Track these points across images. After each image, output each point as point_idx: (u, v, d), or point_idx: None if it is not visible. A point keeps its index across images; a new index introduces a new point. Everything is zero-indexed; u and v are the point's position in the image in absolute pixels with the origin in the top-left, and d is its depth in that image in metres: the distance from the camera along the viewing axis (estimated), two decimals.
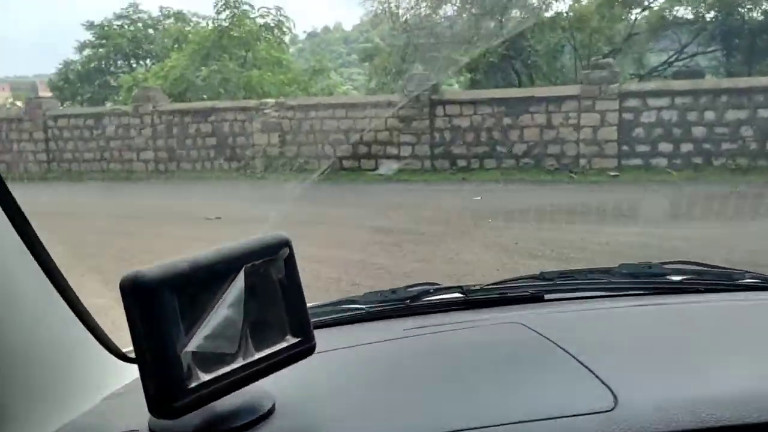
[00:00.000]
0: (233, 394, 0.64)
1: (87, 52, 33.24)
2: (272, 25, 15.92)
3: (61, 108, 15.23)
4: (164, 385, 0.57)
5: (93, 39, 33.29)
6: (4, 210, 0.66)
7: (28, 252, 0.69)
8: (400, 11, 15.71)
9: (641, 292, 1.17)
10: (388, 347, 0.96)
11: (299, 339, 0.68)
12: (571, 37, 14.10)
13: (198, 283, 0.60)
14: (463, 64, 13.80)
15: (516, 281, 1.23)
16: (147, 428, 0.66)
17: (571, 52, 14.52)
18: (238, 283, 0.62)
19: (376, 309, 1.10)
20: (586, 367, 0.79)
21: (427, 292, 1.15)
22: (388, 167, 11.87)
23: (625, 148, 10.53)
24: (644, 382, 0.77)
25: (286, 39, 16.73)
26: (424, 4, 15.44)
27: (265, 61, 16.90)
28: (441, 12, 15.72)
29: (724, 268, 1.30)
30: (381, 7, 16.04)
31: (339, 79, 20.76)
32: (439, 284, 1.21)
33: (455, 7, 15.40)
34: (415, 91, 11.65)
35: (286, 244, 0.67)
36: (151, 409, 0.59)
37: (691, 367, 0.82)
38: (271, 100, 13.21)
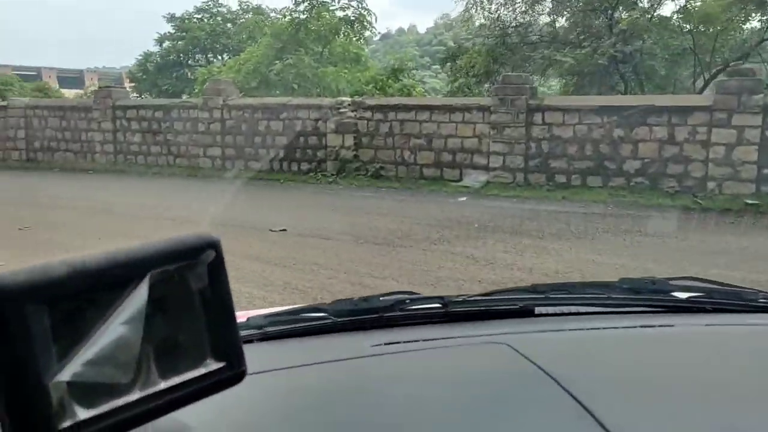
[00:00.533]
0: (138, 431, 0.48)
1: (166, 44, 33.52)
2: (352, 18, 14.84)
3: (132, 98, 14.62)
4: (27, 424, 0.42)
5: (173, 31, 33.58)
6: None
7: None
8: (493, 6, 14.31)
9: (643, 310, 1.09)
10: (352, 366, 0.85)
11: (224, 364, 0.51)
12: (692, 39, 12.26)
13: (81, 294, 0.44)
14: (565, 67, 12.25)
15: (504, 293, 1.14)
16: None
17: (689, 57, 12.67)
18: (140, 294, 0.46)
19: (344, 320, 0.99)
20: (579, 402, 0.69)
21: (403, 302, 1.04)
22: (474, 179, 10.52)
23: (766, 171, 8.77)
24: (647, 423, 0.68)
25: (366, 34, 15.59)
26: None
27: (341, 57, 15.89)
28: (540, 8, 14.23)
29: (735, 286, 1.20)
30: (473, 2, 14.66)
31: (416, 81, 19.53)
32: (417, 293, 1.12)
33: (556, 3, 13.83)
34: (510, 94, 10.26)
35: (211, 245, 0.50)
36: None
37: (699, 404, 0.74)
38: (347, 99, 12.12)
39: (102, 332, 0.45)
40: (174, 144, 13.31)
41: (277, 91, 15.39)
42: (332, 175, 11.55)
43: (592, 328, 1.02)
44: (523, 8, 14.02)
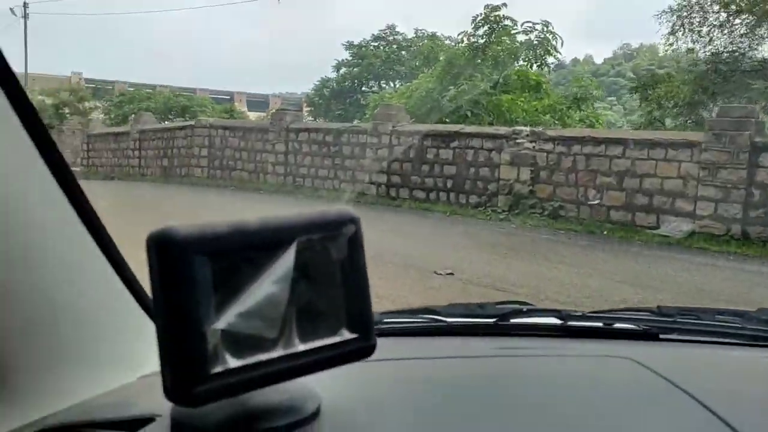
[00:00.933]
0: (272, 389, 0.52)
1: (343, 70, 34.78)
2: (535, 43, 13.74)
3: (305, 122, 14.81)
4: (182, 366, 0.46)
5: (350, 58, 34.79)
6: (60, 183, 0.63)
7: (69, 204, 0.64)
8: (704, 28, 12.39)
9: None
10: (469, 365, 0.84)
11: (356, 335, 0.54)
12: None
13: (239, 252, 0.48)
14: None
15: (626, 312, 1.07)
16: (169, 416, 0.56)
17: None
18: (288, 258, 0.50)
19: (460, 323, 0.99)
20: (715, 414, 0.64)
21: (519, 312, 1.02)
22: (675, 227, 8.86)
23: None
24: None
25: (548, 60, 14.37)
26: (738, 21, 11.95)
27: (519, 83, 14.79)
28: (764, 30, 12.05)
29: None
30: (679, 23, 12.83)
31: (600, 111, 17.79)
32: (533, 304, 1.08)
33: None
34: (729, 129, 8.51)
35: (352, 221, 0.54)
36: (166, 393, 0.48)
37: None
38: (525, 128, 11.03)
39: (255, 289, 0.48)
40: (341, 168, 13.10)
41: (446, 119, 14.70)
42: (503, 211, 10.49)
43: (723, 356, 0.92)
44: (743, 30, 11.97)
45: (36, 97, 42.50)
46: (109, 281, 0.70)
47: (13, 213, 0.60)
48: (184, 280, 0.46)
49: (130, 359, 0.71)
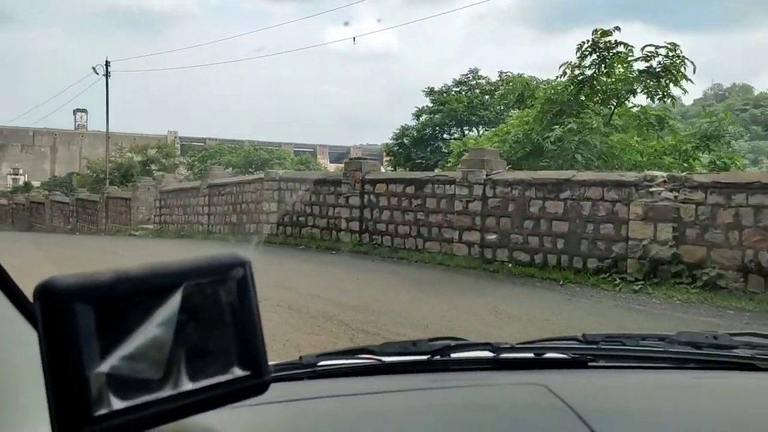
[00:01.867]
0: (168, 428, 0.53)
1: (423, 118, 33.28)
2: (657, 70, 11.40)
3: (383, 171, 13.03)
4: (67, 409, 0.48)
5: (431, 105, 33.33)
6: None
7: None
8: None
9: (703, 365, 1.03)
10: (403, 398, 0.89)
11: (248, 372, 0.55)
12: None
13: (123, 298, 0.50)
14: None
15: (554, 341, 1.09)
16: None
17: None
18: (173, 302, 0.52)
19: (392, 361, 1.00)
20: None
21: (450, 347, 1.04)
22: None
23: None
24: None
25: (673, 92, 11.93)
26: None
27: (636, 120, 12.43)
28: None
29: None
30: None
31: (736, 151, 15.00)
32: (464, 339, 1.10)
33: None
34: None
35: (241, 264, 0.56)
36: None
37: None
38: (660, 174, 8.69)
39: (139, 333, 0.49)
40: (425, 224, 11.13)
41: (546, 161, 12.49)
42: (637, 280, 8.10)
43: (645, 381, 0.97)
44: None
45: (125, 155, 43.80)
46: (18, 329, 0.67)
47: None
48: (66, 327, 0.47)
49: (22, 418, 0.67)
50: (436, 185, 11.05)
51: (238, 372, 0.54)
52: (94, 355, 0.48)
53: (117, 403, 0.48)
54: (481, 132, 30.32)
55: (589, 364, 1.00)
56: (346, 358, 1.03)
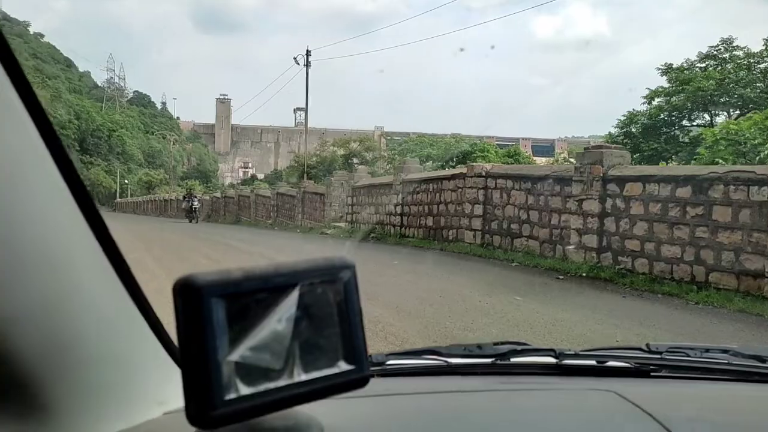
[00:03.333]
0: (279, 415, 0.60)
1: (657, 101, 27.91)
2: None
3: (633, 166, 9.23)
4: (202, 393, 0.53)
5: (667, 86, 27.78)
6: (82, 210, 0.69)
7: (103, 254, 0.71)
8: None
9: (767, 379, 1.01)
10: (467, 399, 0.90)
11: (352, 367, 0.61)
12: None
13: (250, 294, 0.56)
14: None
15: (618, 350, 1.10)
16: None
17: None
18: (292, 299, 0.58)
19: (458, 362, 1.04)
20: None
21: (515, 351, 1.06)
22: None
23: None
24: None
25: None
26: None
27: None
28: None
29: None
30: None
31: None
32: (528, 344, 1.10)
33: None
34: None
35: (349, 267, 0.61)
36: (188, 417, 0.55)
37: None
38: None
39: (263, 326, 0.55)
40: (710, 246, 7.27)
41: None
42: None
43: (711, 391, 0.99)
44: None
45: (328, 149, 44.18)
46: (136, 326, 0.75)
47: (46, 257, 0.65)
48: (203, 319, 0.52)
49: (155, 397, 0.76)
50: (731, 186, 7.12)
51: (343, 366, 0.59)
52: (225, 344, 0.53)
53: (244, 389, 0.54)
54: (733, 115, 24.19)
55: (652, 374, 1.01)
56: (414, 358, 1.06)
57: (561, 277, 8.50)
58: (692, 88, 25.19)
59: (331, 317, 0.59)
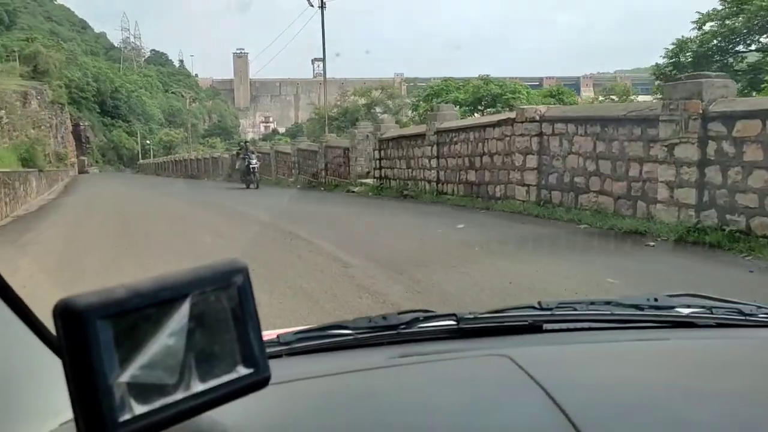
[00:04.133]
0: (179, 426, 0.58)
1: (709, 26, 25.24)
2: None
3: (736, 99, 7.27)
4: (93, 418, 0.52)
5: (720, 8, 25.04)
6: None
7: None
8: None
9: (646, 325, 1.13)
10: (369, 377, 0.93)
11: (251, 370, 0.61)
12: None
13: (137, 312, 0.55)
14: None
15: (513, 310, 1.17)
16: None
17: None
18: (183, 312, 0.57)
19: (365, 335, 1.07)
20: (566, 414, 0.73)
21: (418, 319, 1.11)
22: None
23: None
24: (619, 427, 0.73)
25: None
26: None
27: None
28: None
29: (734, 301, 1.21)
30: None
31: None
32: (433, 311, 1.14)
33: None
34: None
35: (241, 271, 0.60)
36: None
37: (675, 411, 0.76)
38: None
39: (154, 342, 0.54)
40: None
41: None
42: None
43: (594, 342, 1.07)
44: None
45: (349, 99, 42.10)
46: (13, 331, 0.71)
47: None
48: (87, 343, 0.51)
49: (50, 408, 0.73)
50: None
51: (241, 370, 0.59)
52: (114, 366, 0.52)
53: (139, 408, 0.53)
54: None
55: (544, 327, 1.09)
56: (322, 334, 1.07)
57: (652, 243, 6.75)
58: (754, 8, 22.42)
59: (226, 323, 0.58)
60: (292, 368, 0.90)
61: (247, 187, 20.09)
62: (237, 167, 22.26)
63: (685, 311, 1.14)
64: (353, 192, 16.78)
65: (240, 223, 10.84)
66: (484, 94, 34.06)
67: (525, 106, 10.47)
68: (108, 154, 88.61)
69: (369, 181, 17.16)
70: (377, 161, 16.63)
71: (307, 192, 19.20)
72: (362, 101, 40.26)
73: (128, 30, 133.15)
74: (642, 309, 1.13)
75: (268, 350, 0.64)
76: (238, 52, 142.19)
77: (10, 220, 13.70)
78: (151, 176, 53.04)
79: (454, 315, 1.10)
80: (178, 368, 0.55)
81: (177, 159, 53.42)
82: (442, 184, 13.03)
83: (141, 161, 79.03)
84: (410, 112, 40.11)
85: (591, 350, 1.02)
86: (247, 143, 24.36)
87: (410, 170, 14.69)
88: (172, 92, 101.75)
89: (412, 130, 15.86)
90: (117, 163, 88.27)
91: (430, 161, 13.43)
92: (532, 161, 9.76)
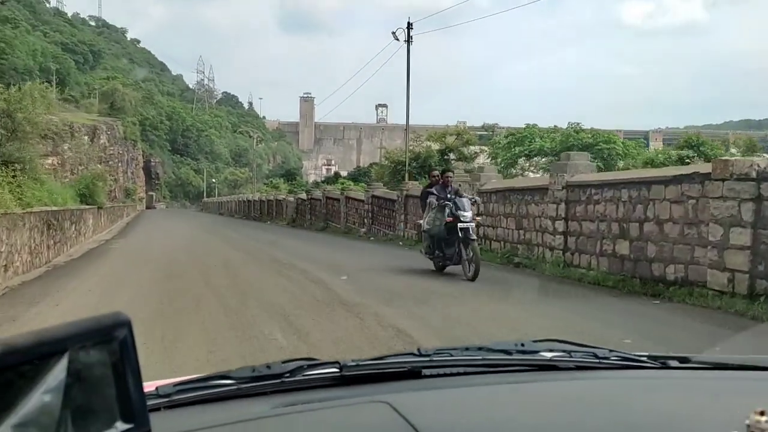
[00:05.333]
0: None
1: None
2: None
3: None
4: None
5: None
6: None
7: None
8: None
9: (515, 368, 1.20)
10: (248, 428, 0.93)
11: (130, 426, 0.59)
12: None
13: (12, 369, 0.53)
14: None
15: (393, 357, 1.20)
16: None
17: None
18: (60, 368, 0.55)
19: (247, 385, 1.06)
20: None
21: (301, 368, 1.11)
22: None
23: None
24: None
25: None
26: None
27: None
28: None
29: (591, 346, 1.31)
30: None
31: None
32: (317, 359, 1.16)
33: None
34: None
35: (123, 325, 0.59)
36: None
37: None
38: None
39: (28, 401, 0.52)
40: None
41: None
42: None
43: (469, 386, 1.12)
44: None
45: (422, 144, 39.77)
46: None
47: None
48: None
49: None
50: None
51: (120, 426, 0.57)
52: None
53: None
54: None
55: (423, 373, 1.14)
56: (202, 385, 1.05)
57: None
58: None
59: (106, 379, 0.57)
60: (172, 421, 0.88)
61: (441, 270, 9.83)
62: (428, 226, 10.02)
63: (548, 355, 1.21)
64: None
65: None
66: (574, 143, 30.95)
67: (730, 158, 7.49)
68: (175, 191, 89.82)
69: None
70: (475, 215, 13.78)
71: (383, 247, 16.48)
72: (436, 147, 37.60)
73: (203, 72, 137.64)
74: (510, 354, 1.22)
75: (148, 404, 0.61)
76: (305, 96, 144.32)
77: (42, 272, 11.53)
78: (214, 215, 52.18)
79: (337, 363, 1.12)
80: (53, 427, 0.53)
81: (240, 199, 52.34)
82: (572, 253, 10.06)
83: (206, 199, 79.23)
84: (488, 160, 37.31)
85: (465, 394, 1.09)
86: (448, 174, 11.18)
87: (522, 231, 11.78)
88: (240, 132, 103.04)
89: (530, 182, 13.00)
90: (183, 199, 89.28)
91: (554, 223, 10.50)
92: (741, 236, 6.72)
